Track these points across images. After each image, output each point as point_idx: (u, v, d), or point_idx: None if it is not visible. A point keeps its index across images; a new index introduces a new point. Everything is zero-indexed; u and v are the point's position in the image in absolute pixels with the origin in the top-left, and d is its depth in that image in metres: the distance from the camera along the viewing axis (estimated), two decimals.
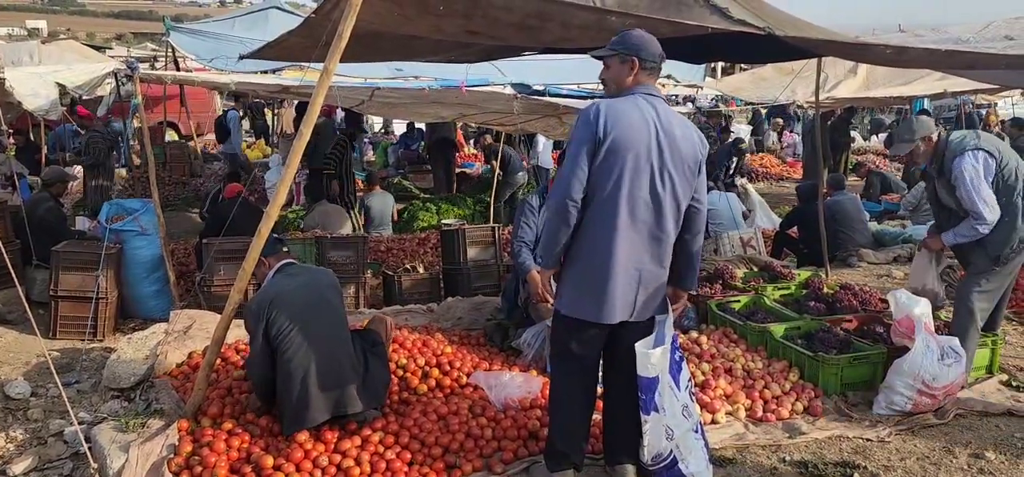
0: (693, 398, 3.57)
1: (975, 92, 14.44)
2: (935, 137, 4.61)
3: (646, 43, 3.27)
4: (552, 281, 3.50)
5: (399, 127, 18.46)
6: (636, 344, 3.28)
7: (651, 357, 3.28)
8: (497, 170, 11.16)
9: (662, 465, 3.38)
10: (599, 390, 3.59)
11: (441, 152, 12.71)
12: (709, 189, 9.67)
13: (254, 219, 4.18)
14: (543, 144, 13.67)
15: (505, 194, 11.62)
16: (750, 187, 12.00)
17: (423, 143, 14.94)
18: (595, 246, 3.21)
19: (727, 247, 8.11)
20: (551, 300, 3.55)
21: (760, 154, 18.30)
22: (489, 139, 13.02)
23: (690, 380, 3.61)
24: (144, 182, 10.10)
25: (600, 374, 3.56)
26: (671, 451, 3.37)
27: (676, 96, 13.28)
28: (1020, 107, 20.91)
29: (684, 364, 3.56)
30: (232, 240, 6.06)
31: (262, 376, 3.85)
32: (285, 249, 4.14)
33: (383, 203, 10.00)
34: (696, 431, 3.46)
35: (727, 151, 14.24)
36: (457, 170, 13.55)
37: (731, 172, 13.92)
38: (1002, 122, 20.78)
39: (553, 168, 12.36)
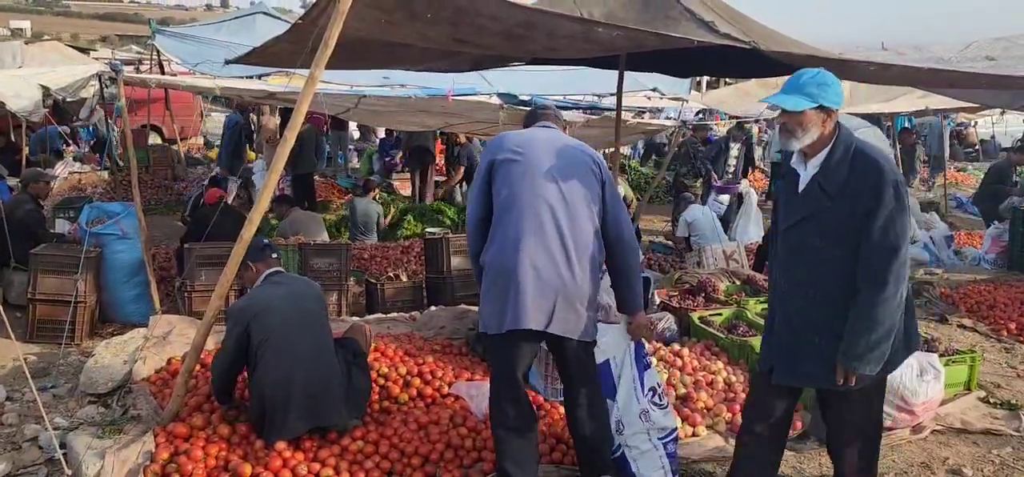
0: (662, 408, 3.56)
1: (957, 110, 14.65)
2: None
3: None
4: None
5: (379, 132, 18.28)
6: None
7: (599, 344, 3.43)
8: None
9: (614, 457, 3.46)
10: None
11: (418, 161, 12.59)
12: (695, 198, 9.75)
13: (236, 224, 4.15)
14: None
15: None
16: (752, 192, 10.66)
17: (399, 152, 14.65)
18: None
19: (710, 260, 8.14)
20: None
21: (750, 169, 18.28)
22: (462, 138, 12.36)
23: (659, 389, 3.62)
24: (126, 185, 10.00)
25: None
26: (620, 445, 3.43)
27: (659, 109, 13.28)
28: (1000, 126, 21.18)
29: (652, 371, 3.60)
30: (214, 245, 6.00)
31: (226, 375, 3.88)
32: (274, 256, 4.09)
33: (368, 209, 9.96)
34: (657, 440, 3.48)
35: (719, 146, 10.75)
36: (435, 179, 13.36)
37: (734, 168, 10.54)
38: (981, 141, 21.03)
39: None
